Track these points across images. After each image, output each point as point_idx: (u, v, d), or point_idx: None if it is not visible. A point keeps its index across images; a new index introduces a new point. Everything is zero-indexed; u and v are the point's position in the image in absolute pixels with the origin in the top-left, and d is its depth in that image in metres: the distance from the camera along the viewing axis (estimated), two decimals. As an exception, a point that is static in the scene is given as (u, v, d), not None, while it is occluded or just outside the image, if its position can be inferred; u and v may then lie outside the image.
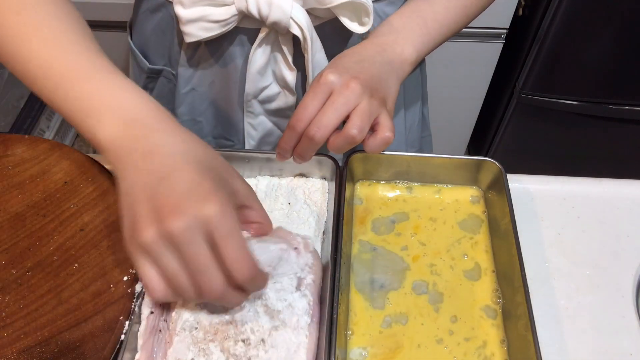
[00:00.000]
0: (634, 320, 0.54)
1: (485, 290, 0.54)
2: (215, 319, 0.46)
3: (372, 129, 0.54)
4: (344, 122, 0.52)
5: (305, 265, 0.50)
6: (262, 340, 0.45)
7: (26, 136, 0.62)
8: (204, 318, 0.47)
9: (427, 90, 0.83)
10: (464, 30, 1.31)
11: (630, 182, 0.65)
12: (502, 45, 1.34)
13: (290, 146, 0.53)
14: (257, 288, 0.45)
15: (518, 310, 0.49)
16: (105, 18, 1.27)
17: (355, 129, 0.50)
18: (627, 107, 1.39)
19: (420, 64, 0.77)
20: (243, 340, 0.45)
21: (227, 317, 0.46)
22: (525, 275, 0.50)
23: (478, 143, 1.70)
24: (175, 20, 0.60)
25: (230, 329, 0.46)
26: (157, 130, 0.44)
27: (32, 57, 0.47)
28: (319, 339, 0.47)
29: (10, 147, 0.61)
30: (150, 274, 0.40)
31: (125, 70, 0.77)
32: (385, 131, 0.53)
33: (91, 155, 0.61)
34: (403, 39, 0.58)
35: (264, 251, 0.50)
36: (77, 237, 0.53)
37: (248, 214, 0.47)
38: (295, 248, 0.51)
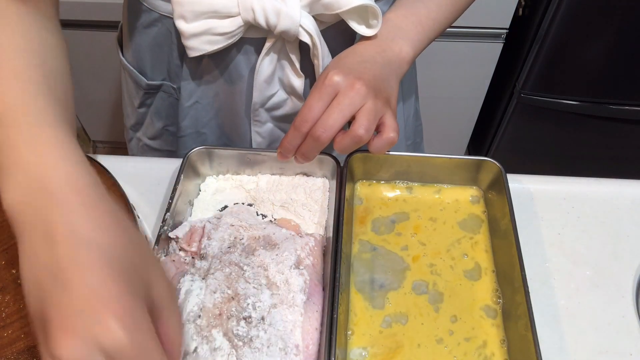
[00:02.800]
0: (634, 320, 0.54)
1: (485, 290, 0.54)
2: (219, 297, 0.48)
3: (377, 129, 0.54)
4: (348, 122, 0.52)
5: (305, 246, 0.52)
6: (262, 318, 0.47)
7: (26, 136, 0.62)
8: (208, 300, 0.48)
9: (417, 85, 0.83)
10: (464, 30, 1.31)
11: (630, 182, 0.65)
12: (502, 45, 1.34)
13: (294, 146, 0.53)
14: None
15: (518, 310, 0.49)
16: (100, 18, 1.27)
17: (362, 128, 0.51)
18: (627, 107, 1.39)
19: None
20: (245, 319, 0.46)
21: (230, 292, 0.48)
22: (525, 275, 0.50)
23: (478, 143, 1.70)
24: (174, 34, 0.59)
25: (232, 306, 0.47)
26: (67, 206, 0.35)
27: None
28: (321, 332, 0.48)
29: (10, 147, 0.61)
30: None
31: (117, 82, 0.77)
32: (389, 132, 0.53)
33: (91, 155, 0.61)
34: (400, 38, 0.58)
35: (274, 230, 0.54)
36: (77, 237, 0.53)
37: (159, 325, 0.36)
38: (301, 236, 0.54)
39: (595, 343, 0.53)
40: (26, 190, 0.36)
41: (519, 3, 1.27)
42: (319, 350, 0.47)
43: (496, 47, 1.34)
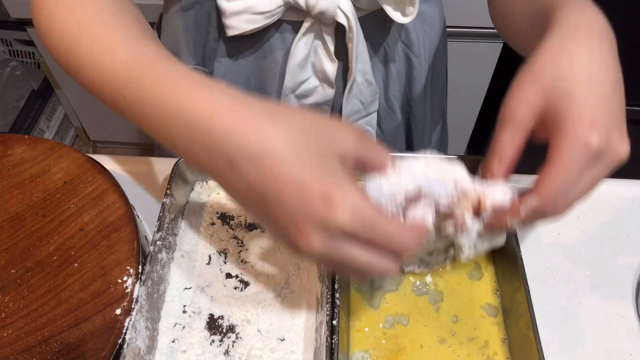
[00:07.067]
0: (634, 320, 0.54)
1: (485, 289, 0.54)
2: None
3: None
4: None
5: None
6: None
7: (26, 136, 0.62)
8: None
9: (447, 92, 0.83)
10: (464, 30, 1.31)
11: (630, 182, 0.65)
12: (502, 45, 1.34)
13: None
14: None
15: (519, 309, 0.49)
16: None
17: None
18: (626, 107, 1.39)
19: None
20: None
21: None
22: (525, 275, 0.50)
23: (478, 143, 1.70)
24: (213, 15, 0.59)
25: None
26: (235, 136, 0.37)
27: (85, 54, 0.43)
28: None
29: (10, 147, 0.61)
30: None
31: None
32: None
33: (91, 155, 0.61)
34: (589, 8, 0.48)
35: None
36: (77, 237, 0.53)
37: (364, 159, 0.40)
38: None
39: (595, 343, 0.53)
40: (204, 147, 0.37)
41: (519, 3, 1.27)
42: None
43: (496, 47, 1.34)
